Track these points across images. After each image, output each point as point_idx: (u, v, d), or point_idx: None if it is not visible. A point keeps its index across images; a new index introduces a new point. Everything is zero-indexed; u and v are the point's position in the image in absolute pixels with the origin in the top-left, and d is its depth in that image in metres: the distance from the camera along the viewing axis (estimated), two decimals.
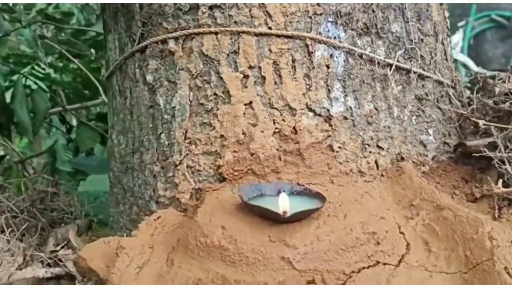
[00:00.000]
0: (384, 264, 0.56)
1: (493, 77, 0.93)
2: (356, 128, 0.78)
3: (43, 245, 1.04)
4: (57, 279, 0.79)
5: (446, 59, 0.94)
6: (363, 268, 0.56)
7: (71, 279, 0.79)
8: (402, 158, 0.82)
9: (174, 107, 0.75)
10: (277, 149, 0.73)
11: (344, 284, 0.54)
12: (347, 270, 0.55)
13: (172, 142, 0.75)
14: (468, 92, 0.96)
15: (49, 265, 0.81)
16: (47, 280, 0.74)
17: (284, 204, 0.56)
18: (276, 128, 0.73)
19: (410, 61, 0.86)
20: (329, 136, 0.76)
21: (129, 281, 0.57)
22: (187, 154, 0.74)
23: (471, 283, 0.53)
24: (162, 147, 0.77)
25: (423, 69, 0.88)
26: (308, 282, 0.54)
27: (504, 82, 0.88)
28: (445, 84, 0.91)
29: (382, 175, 0.80)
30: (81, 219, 1.24)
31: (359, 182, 0.76)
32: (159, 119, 0.77)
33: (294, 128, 0.73)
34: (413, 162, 0.83)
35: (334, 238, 0.57)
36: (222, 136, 0.73)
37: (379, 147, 0.80)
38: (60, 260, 0.79)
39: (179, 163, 0.74)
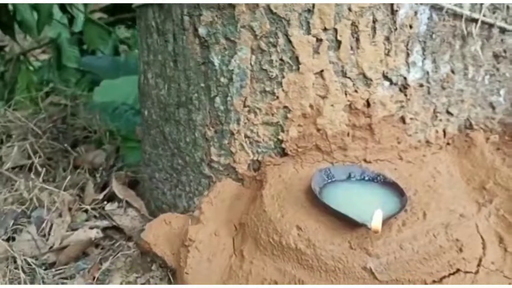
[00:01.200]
0: (465, 272, 0.55)
1: None
2: (430, 95, 0.71)
3: (72, 174, 1.02)
4: (104, 230, 0.78)
5: None
6: (444, 277, 0.54)
7: (118, 230, 0.78)
8: (471, 125, 0.76)
9: (232, 70, 0.66)
10: (346, 125, 0.66)
11: None
12: (428, 279, 0.54)
13: (229, 108, 0.68)
14: None
15: (95, 216, 0.79)
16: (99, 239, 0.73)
17: (377, 223, 0.52)
18: (347, 101, 0.65)
19: (494, 12, 0.74)
20: (403, 107, 0.68)
21: (202, 277, 0.55)
22: (245, 123, 0.68)
23: None
24: (216, 111, 0.69)
25: (505, 21, 0.77)
26: None
27: None
28: None
29: (448, 144, 0.75)
30: (106, 141, 1.20)
31: (427, 157, 0.71)
32: (213, 81, 0.68)
33: (367, 101, 0.66)
34: (481, 128, 0.77)
35: (417, 246, 0.54)
36: (285, 107, 0.66)
37: (449, 113, 0.74)
38: (108, 215, 0.77)
39: (237, 132, 0.68)
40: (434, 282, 0.54)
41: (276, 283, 0.54)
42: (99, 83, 1.49)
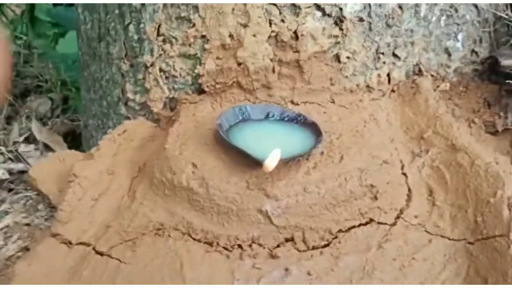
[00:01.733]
0: (379, 223, 0.48)
1: None
2: (372, 33, 0.63)
3: (14, 120, 0.96)
4: (20, 174, 0.72)
5: None
6: (353, 227, 0.48)
7: None
8: (420, 71, 0.69)
9: None
10: (271, 59, 0.59)
11: (328, 245, 0.47)
12: (334, 228, 0.47)
13: (142, 37, 0.61)
14: None
15: (10, 159, 0.73)
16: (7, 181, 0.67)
17: (271, 160, 0.45)
18: (272, 32, 0.58)
19: None
20: (338, 43, 0.61)
21: (81, 216, 0.49)
22: (160, 55, 0.61)
23: (476, 258, 0.46)
24: (130, 41, 0.62)
25: None
26: (287, 240, 0.47)
27: None
28: None
29: (392, 91, 0.67)
30: (56, 91, 1.14)
31: (364, 102, 0.64)
32: (126, 6, 0.61)
33: (295, 32, 0.58)
34: (432, 76, 0.69)
35: (324, 190, 0.48)
36: (203, 36, 0.58)
37: (395, 55, 0.66)
38: (22, 157, 0.72)
39: (151, 65, 0.61)
40: (340, 231, 0.48)
41: (162, 225, 0.48)
42: None
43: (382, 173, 0.51)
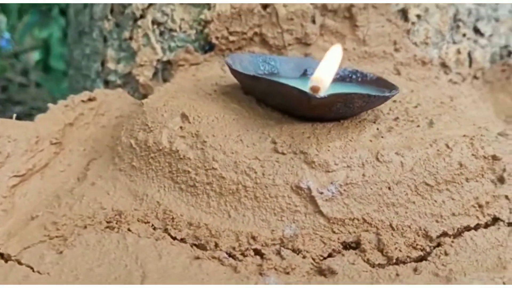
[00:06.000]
0: (510, 225, 0.27)
1: None
2: None
3: None
4: None
5: None
6: (467, 229, 0.26)
7: None
8: (510, 53, 0.50)
9: None
10: (312, 3, 0.41)
11: (424, 258, 0.25)
12: (433, 229, 0.26)
13: None
14: None
15: None
16: None
17: (319, 78, 0.26)
18: None
19: None
20: None
21: None
22: (155, 3, 0.43)
23: None
24: None
25: None
26: (345, 246, 0.25)
27: None
28: None
29: (475, 77, 0.48)
30: None
31: (441, 80, 0.44)
32: None
33: None
34: None
35: (412, 160, 0.27)
36: None
37: (477, 31, 0.48)
38: None
39: (141, 16, 0.44)
40: (445, 235, 0.26)
41: (120, 214, 0.27)
42: None
43: (503, 145, 0.30)
